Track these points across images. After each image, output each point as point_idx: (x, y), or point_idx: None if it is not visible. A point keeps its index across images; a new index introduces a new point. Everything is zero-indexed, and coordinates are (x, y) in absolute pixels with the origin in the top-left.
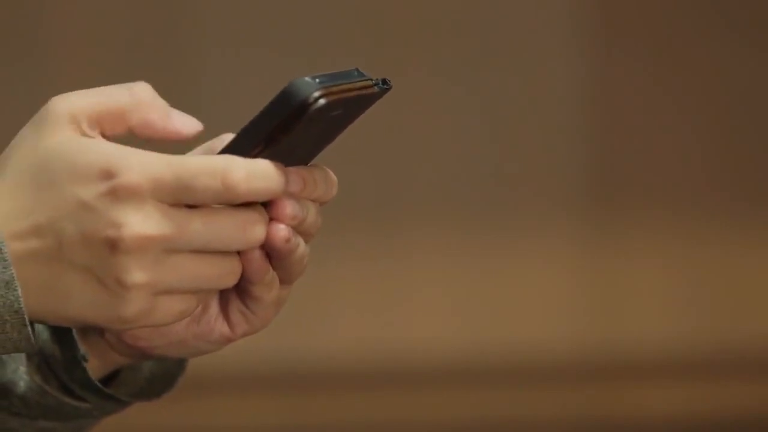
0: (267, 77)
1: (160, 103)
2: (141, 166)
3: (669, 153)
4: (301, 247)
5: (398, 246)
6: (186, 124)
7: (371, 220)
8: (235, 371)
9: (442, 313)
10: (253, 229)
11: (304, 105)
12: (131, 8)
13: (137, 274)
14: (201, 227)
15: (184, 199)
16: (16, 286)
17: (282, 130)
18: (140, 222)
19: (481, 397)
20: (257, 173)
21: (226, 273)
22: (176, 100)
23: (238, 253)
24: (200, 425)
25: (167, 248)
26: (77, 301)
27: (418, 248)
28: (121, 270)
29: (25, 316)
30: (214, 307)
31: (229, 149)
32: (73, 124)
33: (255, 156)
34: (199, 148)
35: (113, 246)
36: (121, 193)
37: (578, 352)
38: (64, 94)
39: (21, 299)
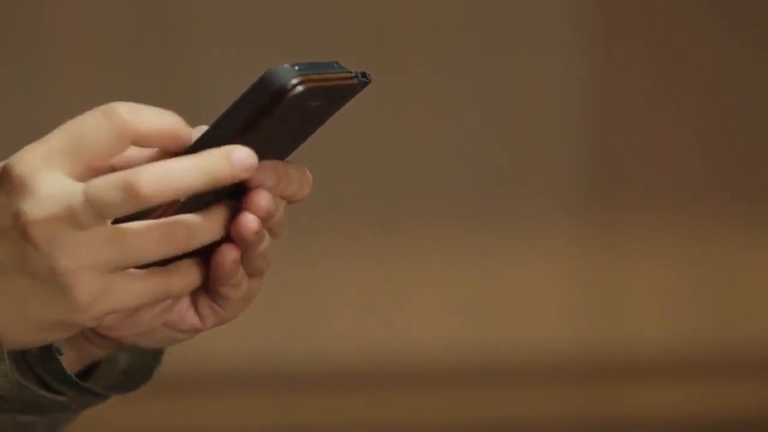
0: None
1: None
2: (27, 153)
3: (669, 153)
4: (266, 241)
5: (398, 246)
6: None
7: (371, 220)
8: (233, 371)
9: (442, 313)
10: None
11: (283, 91)
12: (131, 8)
13: (63, 259)
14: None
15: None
16: None
17: (260, 116)
18: (36, 205)
19: (481, 397)
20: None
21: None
22: (176, 100)
23: (209, 255)
24: (198, 425)
25: (76, 225)
26: (32, 307)
27: (418, 248)
28: (47, 259)
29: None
30: (185, 298)
31: (206, 136)
32: None
33: (232, 144)
34: None
35: (26, 237)
36: (14, 185)
37: (578, 352)
38: None
39: None
